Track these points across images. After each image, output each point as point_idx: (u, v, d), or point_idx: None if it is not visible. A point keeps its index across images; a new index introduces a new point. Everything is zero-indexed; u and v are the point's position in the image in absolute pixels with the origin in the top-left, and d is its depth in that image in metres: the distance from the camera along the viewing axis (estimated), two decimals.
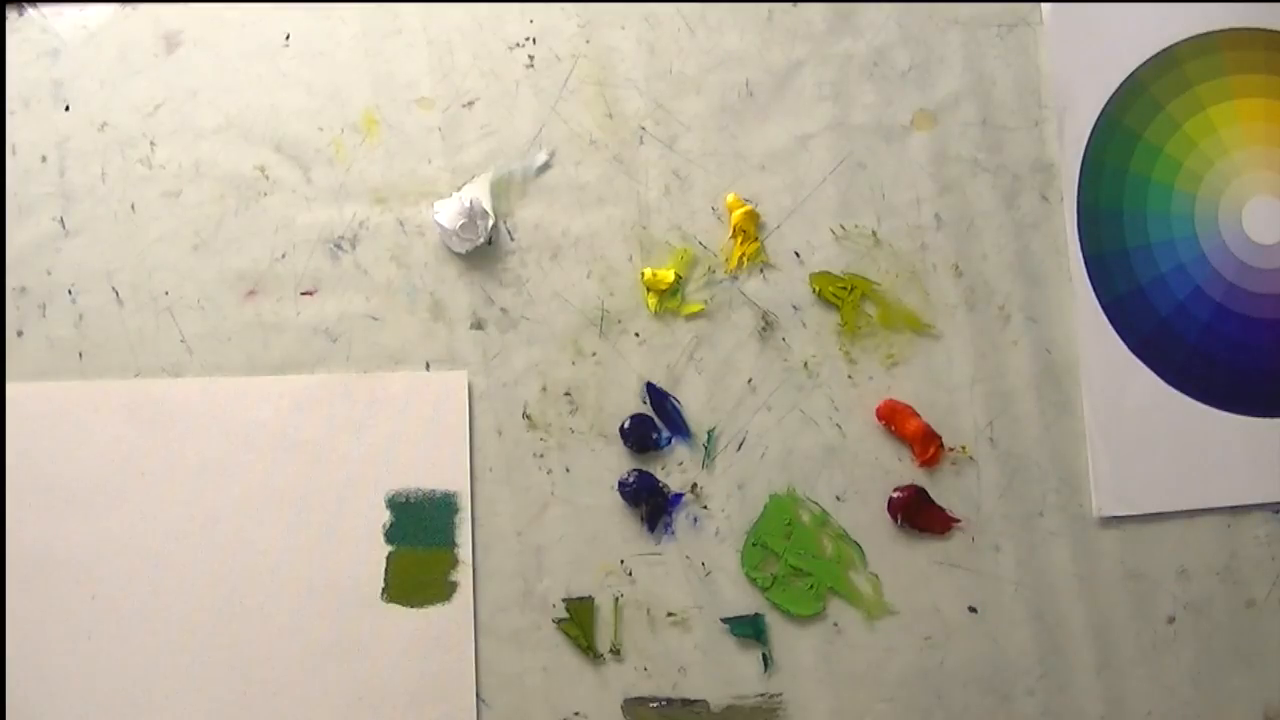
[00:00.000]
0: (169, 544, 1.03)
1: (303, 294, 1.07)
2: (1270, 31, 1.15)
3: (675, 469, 1.07)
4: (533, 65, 1.11)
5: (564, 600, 1.05)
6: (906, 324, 1.09)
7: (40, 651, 1.01)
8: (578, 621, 1.05)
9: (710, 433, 1.08)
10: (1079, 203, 1.11)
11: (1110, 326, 1.10)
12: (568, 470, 1.07)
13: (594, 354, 1.08)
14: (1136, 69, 1.13)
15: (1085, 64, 1.13)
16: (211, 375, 1.06)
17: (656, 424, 1.07)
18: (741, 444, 1.08)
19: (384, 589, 1.03)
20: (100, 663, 1.01)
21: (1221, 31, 1.14)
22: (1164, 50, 1.14)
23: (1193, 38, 1.14)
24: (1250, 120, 1.13)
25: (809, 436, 1.08)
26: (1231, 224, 1.12)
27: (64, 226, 1.07)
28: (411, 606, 1.03)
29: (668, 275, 1.08)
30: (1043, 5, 1.14)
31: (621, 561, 1.06)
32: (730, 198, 1.09)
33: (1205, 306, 1.11)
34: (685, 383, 1.08)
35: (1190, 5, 1.14)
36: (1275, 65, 1.14)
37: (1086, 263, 1.10)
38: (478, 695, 1.03)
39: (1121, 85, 1.13)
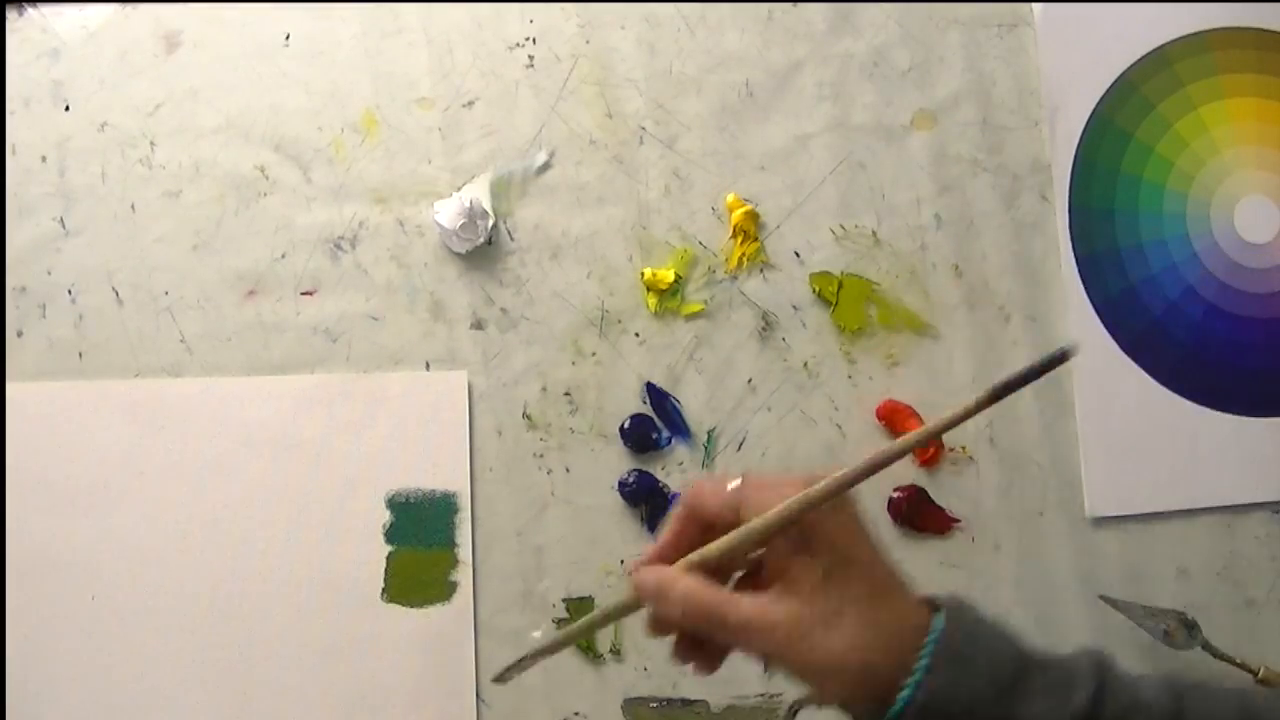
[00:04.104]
0: (169, 544, 1.02)
1: (303, 294, 1.07)
2: (1261, 30, 1.15)
3: (675, 469, 1.07)
4: (533, 65, 1.11)
5: (564, 600, 1.05)
6: (906, 324, 1.10)
7: (40, 651, 1.00)
8: None
9: (710, 433, 1.08)
10: (1070, 203, 1.11)
11: (1102, 326, 1.10)
12: (568, 470, 1.07)
13: (594, 354, 1.08)
14: (1127, 69, 1.14)
15: (1076, 64, 1.13)
16: (211, 375, 1.06)
17: (656, 424, 1.07)
18: (741, 444, 1.08)
19: (384, 589, 1.03)
20: (100, 663, 1.01)
21: (1212, 31, 1.15)
22: (1155, 50, 1.14)
23: (1183, 37, 1.14)
24: (1241, 119, 1.14)
25: (809, 436, 1.08)
26: (1223, 223, 1.12)
27: (64, 226, 1.07)
28: (411, 606, 1.03)
29: (668, 275, 1.08)
30: (1034, 6, 1.14)
31: (621, 561, 1.06)
32: (730, 198, 1.10)
33: (1197, 306, 1.11)
34: (685, 383, 1.08)
35: (1180, 5, 1.15)
36: (1266, 64, 1.15)
37: (1078, 263, 1.11)
38: (478, 695, 1.03)
39: (1112, 85, 1.13)
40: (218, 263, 1.07)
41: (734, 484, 0.74)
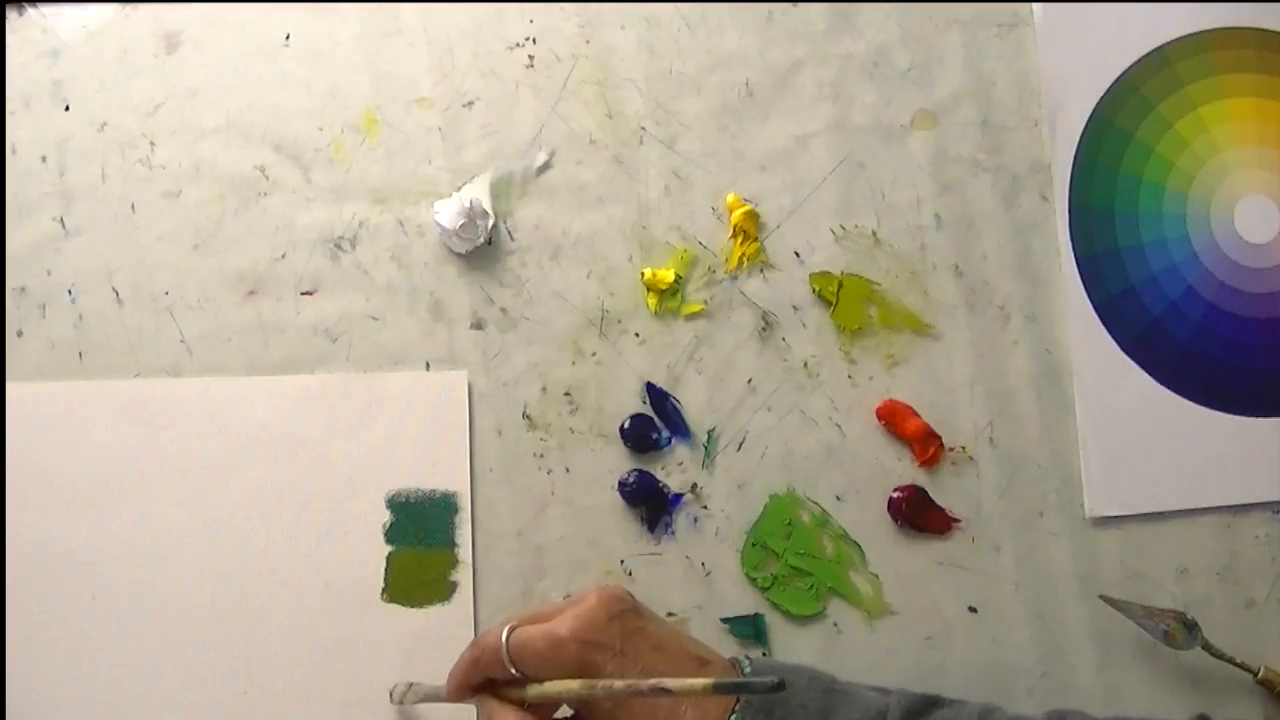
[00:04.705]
0: (169, 544, 1.02)
1: (303, 294, 1.07)
2: (1261, 30, 1.15)
3: (675, 469, 1.07)
4: (533, 65, 1.11)
5: (564, 600, 1.05)
6: (906, 324, 1.09)
7: (40, 651, 1.00)
8: None
9: (710, 433, 1.08)
10: (1070, 203, 1.11)
11: (1102, 326, 1.10)
12: (568, 470, 1.07)
13: (594, 354, 1.08)
14: (1127, 69, 1.13)
15: (1076, 64, 1.13)
16: (211, 375, 1.06)
17: (656, 424, 1.07)
18: (741, 444, 1.08)
19: (384, 589, 1.03)
20: (100, 663, 1.01)
21: (1212, 31, 1.14)
22: (1154, 50, 1.14)
23: (1183, 37, 1.14)
24: (1241, 119, 1.14)
25: (809, 436, 1.08)
26: (1223, 223, 1.12)
27: (64, 226, 1.07)
28: (411, 606, 1.03)
29: (668, 275, 1.08)
30: (1034, 6, 1.14)
31: (621, 561, 1.06)
32: (730, 198, 1.10)
33: (1197, 306, 1.11)
34: (685, 383, 1.08)
35: (1180, 5, 1.15)
36: (1266, 64, 1.14)
37: (1078, 263, 1.11)
38: None
39: (1112, 85, 1.13)
40: (218, 263, 1.07)
41: (504, 633, 0.87)
